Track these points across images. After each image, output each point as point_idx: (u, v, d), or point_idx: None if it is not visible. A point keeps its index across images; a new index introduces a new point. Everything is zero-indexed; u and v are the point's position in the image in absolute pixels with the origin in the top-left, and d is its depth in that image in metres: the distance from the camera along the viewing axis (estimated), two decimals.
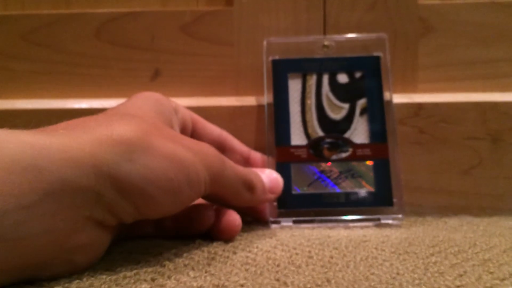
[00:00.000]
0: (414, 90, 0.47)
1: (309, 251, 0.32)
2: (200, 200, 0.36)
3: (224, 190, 0.33)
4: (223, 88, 0.47)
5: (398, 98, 0.45)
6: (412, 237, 0.36)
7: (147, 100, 0.34)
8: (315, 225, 0.40)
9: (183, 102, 0.41)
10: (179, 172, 0.28)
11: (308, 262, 0.29)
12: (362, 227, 0.40)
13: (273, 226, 0.40)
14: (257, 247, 0.33)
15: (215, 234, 0.35)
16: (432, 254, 0.31)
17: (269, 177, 0.38)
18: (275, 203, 0.41)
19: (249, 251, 0.32)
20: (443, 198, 0.45)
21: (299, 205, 0.41)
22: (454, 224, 0.41)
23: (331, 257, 0.30)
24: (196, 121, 0.40)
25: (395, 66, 0.46)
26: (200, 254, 0.31)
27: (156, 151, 0.27)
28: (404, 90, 0.46)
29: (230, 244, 0.33)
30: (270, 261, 0.30)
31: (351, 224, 0.40)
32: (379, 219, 0.41)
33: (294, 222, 0.41)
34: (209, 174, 0.30)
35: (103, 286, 0.25)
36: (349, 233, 0.38)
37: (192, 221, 0.34)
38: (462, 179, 0.45)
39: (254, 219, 0.41)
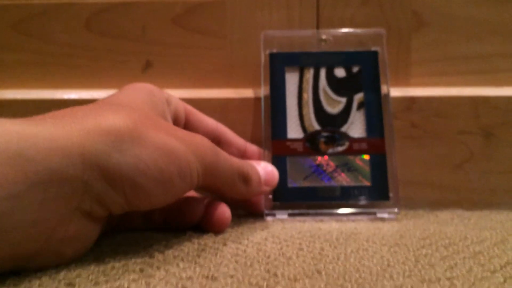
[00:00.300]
0: (407, 84, 0.47)
1: (300, 243, 0.31)
2: (191, 193, 0.36)
3: (219, 182, 0.33)
4: (215, 81, 0.47)
5: (391, 92, 0.45)
6: (403, 229, 0.36)
7: (139, 91, 0.34)
8: (310, 218, 0.40)
9: (175, 94, 0.41)
10: (171, 163, 0.28)
11: (298, 254, 0.29)
12: (354, 220, 0.40)
13: (268, 218, 0.40)
14: (247, 239, 0.32)
15: (205, 227, 0.34)
16: (423, 247, 0.31)
17: (265, 169, 0.38)
18: (270, 196, 0.40)
19: (240, 243, 0.31)
20: (435, 192, 0.45)
21: (295, 198, 0.41)
22: (445, 218, 0.41)
23: (322, 249, 0.30)
24: (190, 112, 0.39)
25: (388, 60, 0.46)
26: (190, 245, 0.31)
27: (146, 141, 0.27)
28: (397, 84, 0.46)
29: (221, 236, 0.33)
30: (260, 253, 0.29)
31: (345, 218, 0.40)
32: (375, 213, 0.40)
33: (289, 215, 0.40)
34: (202, 166, 0.30)
35: (90, 276, 0.24)
36: (340, 225, 0.37)
37: (182, 214, 0.34)
38: (453, 174, 0.45)
39: (248, 212, 0.41)
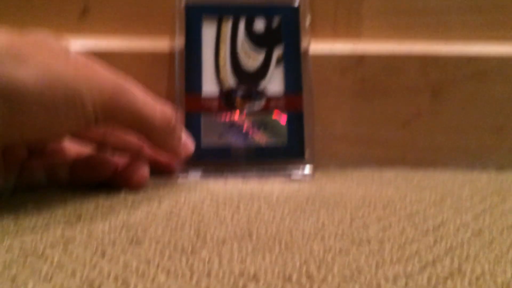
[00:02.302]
0: (358, 37, 0.45)
1: (238, 204, 0.31)
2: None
3: (131, 121, 0.30)
4: (154, 27, 0.44)
5: (341, 47, 0.44)
6: (345, 189, 0.36)
7: None
8: (224, 178, 0.39)
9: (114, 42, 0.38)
10: (53, 87, 0.25)
11: (234, 215, 0.28)
12: (296, 181, 0.39)
13: (180, 178, 0.38)
14: (184, 199, 0.31)
15: (118, 183, 0.33)
16: (361, 207, 0.31)
17: (185, 134, 0.36)
18: None
19: (176, 202, 0.30)
20: (381, 151, 0.44)
21: (209, 157, 0.40)
22: (389, 177, 0.41)
23: (259, 210, 0.30)
24: None
25: (339, 12, 0.44)
26: (122, 203, 0.29)
27: (26, 60, 0.25)
28: (348, 36, 0.45)
29: (157, 194, 0.32)
30: (195, 214, 0.28)
31: (262, 177, 0.39)
32: (289, 173, 0.40)
33: (203, 175, 0.39)
34: (101, 98, 0.27)
35: (6, 237, 0.23)
36: (282, 186, 0.37)
37: (90, 168, 0.32)
38: (400, 132, 0.44)
39: (158, 172, 0.38)
